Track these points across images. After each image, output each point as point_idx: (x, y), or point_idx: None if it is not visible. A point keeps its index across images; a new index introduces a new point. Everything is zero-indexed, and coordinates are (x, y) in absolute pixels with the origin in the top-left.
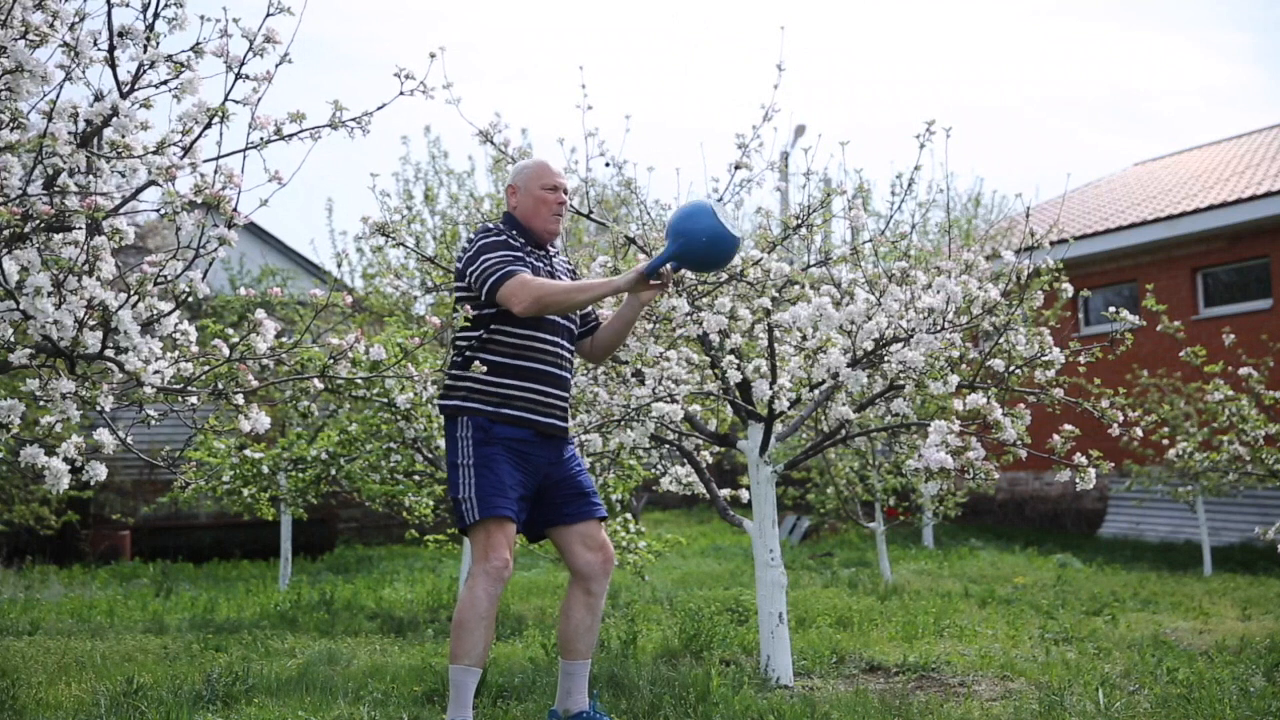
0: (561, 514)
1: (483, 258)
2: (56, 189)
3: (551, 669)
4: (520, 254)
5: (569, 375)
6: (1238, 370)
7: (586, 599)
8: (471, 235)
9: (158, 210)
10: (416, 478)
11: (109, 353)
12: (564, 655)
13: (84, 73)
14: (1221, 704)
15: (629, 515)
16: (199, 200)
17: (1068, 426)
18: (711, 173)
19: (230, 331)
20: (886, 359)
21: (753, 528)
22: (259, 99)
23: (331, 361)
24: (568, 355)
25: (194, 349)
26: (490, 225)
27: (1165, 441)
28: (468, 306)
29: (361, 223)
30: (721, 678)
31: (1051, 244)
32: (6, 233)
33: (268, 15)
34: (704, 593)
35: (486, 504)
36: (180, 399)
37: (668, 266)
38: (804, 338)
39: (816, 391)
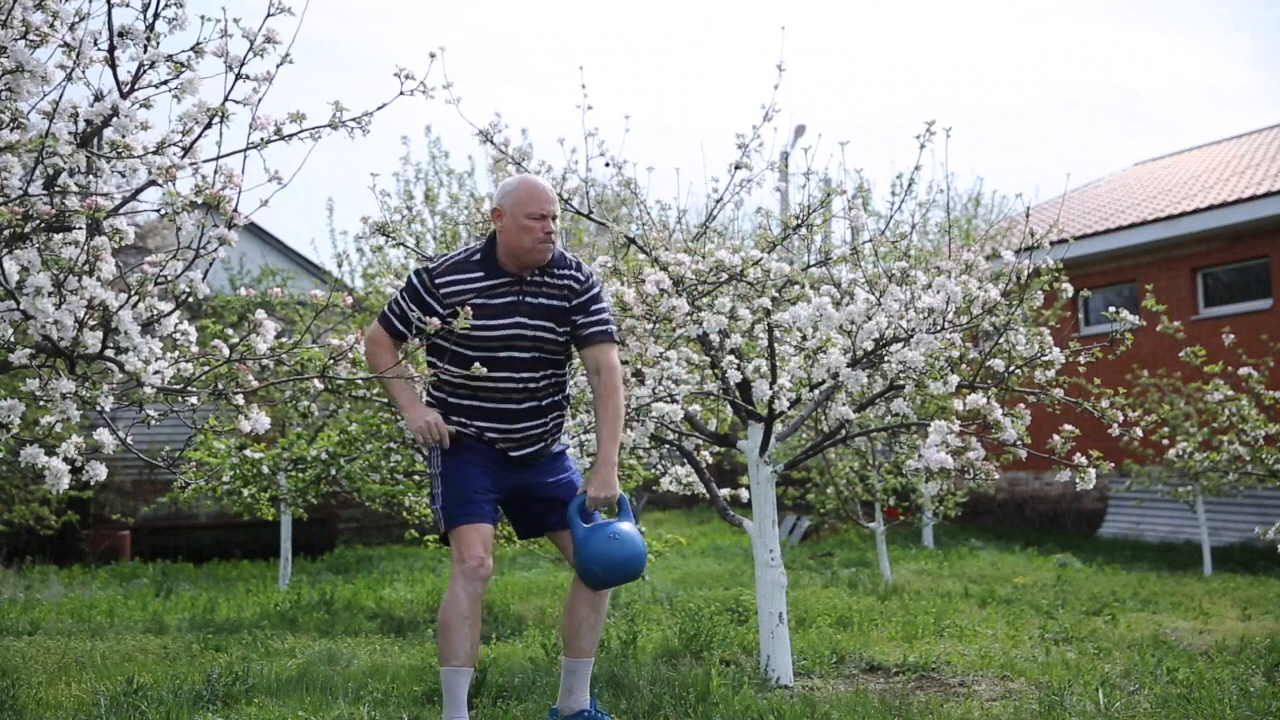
0: (547, 523)
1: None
2: (56, 189)
3: (551, 669)
4: (404, 308)
5: (523, 406)
6: (1238, 370)
7: (591, 597)
8: None
9: (158, 210)
10: (416, 478)
11: (109, 353)
12: (567, 653)
13: (84, 73)
14: (1221, 704)
15: None
16: (199, 200)
17: (1068, 426)
18: (711, 173)
19: (230, 331)
20: (886, 359)
21: (753, 528)
22: (259, 99)
23: (331, 361)
24: (527, 388)
25: (194, 349)
26: (446, 255)
27: (1165, 441)
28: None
29: (362, 223)
30: (721, 678)
31: (1051, 244)
32: (7, 233)
33: (268, 15)
34: (704, 593)
35: (451, 514)
36: (180, 399)
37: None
38: (804, 338)
39: (816, 391)
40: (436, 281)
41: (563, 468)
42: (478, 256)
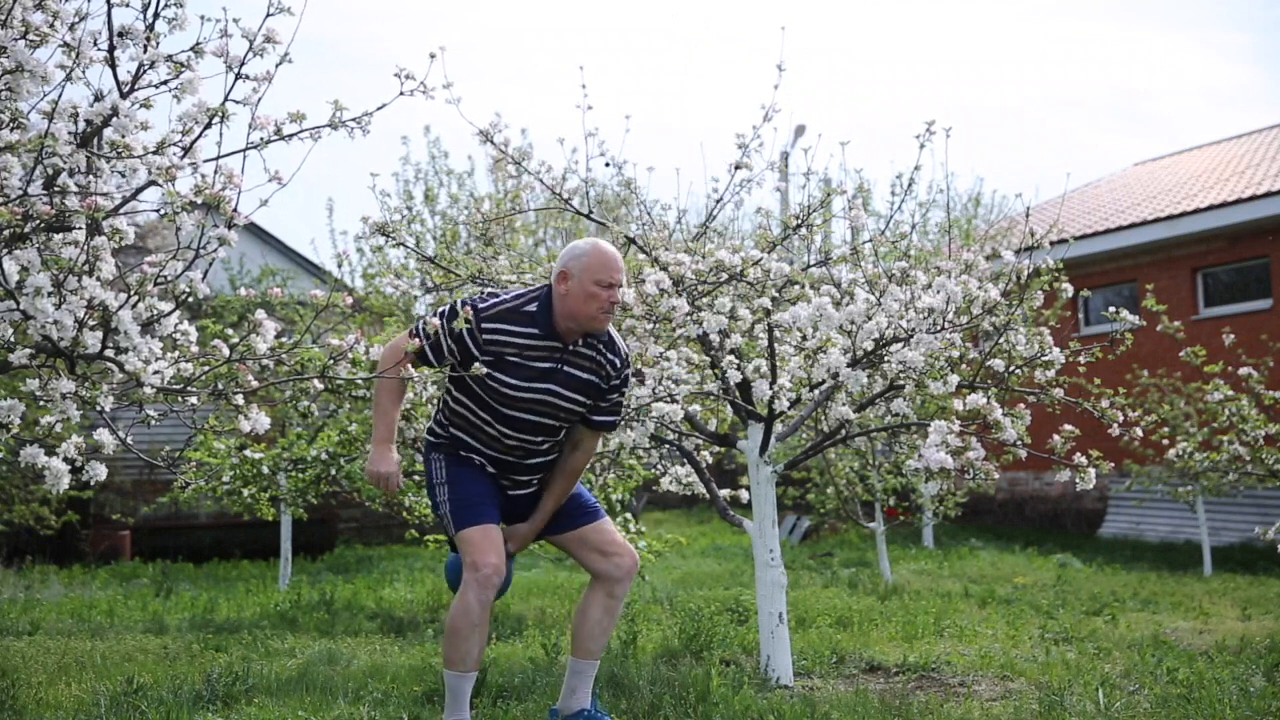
0: (558, 525)
1: (444, 308)
2: (56, 189)
3: (551, 669)
4: (439, 335)
5: (535, 462)
6: (1238, 370)
7: (607, 601)
8: (488, 295)
9: (158, 210)
10: (416, 478)
11: (109, 353)
12: (574, 653)
13: (84, 73)
14: (1221, 704)
15: (629, 515)
16: (199, 200)
17: (1068, 426)
18: (711, 173)
19: (230, 331)
20: (886, 359)
21: (753, 528)
22: (259, 99)
23: (331, 362)
24: (539, 449)
25: (194, 349)
26: (506, 294)
27: (1165, 441)
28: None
29: (361, 223)
30: (721, 678)
31: (1051, 244)
32: (6, 233)
33: (268, 15)
34: (704, 593)
35: (461, 517)
36: (180, 399)
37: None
38: (804, 338)
39: (816, 391)
40: (484, 325)
41: None
42: (532, 308)
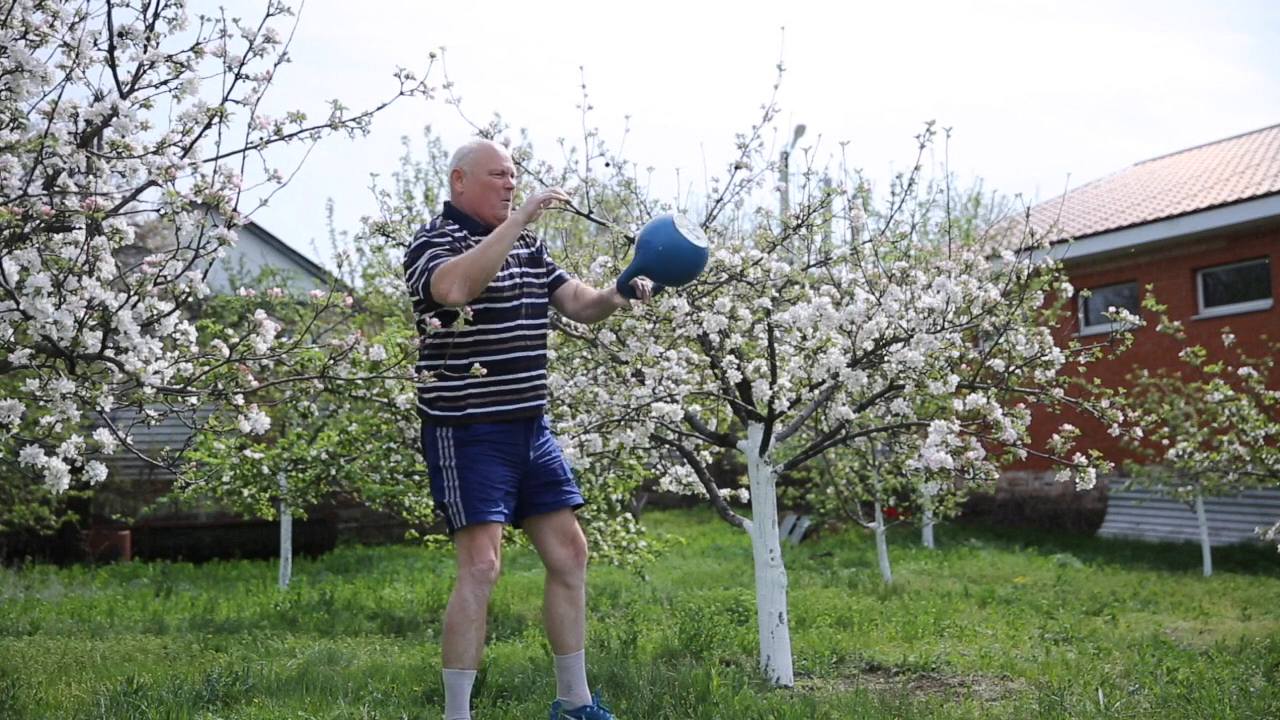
0: (534, 503)
1: (415, 264)
2: (56, 189)
3: (551, 669)
4: (447, 247)
5: (536, 353)
6: (1238, 370)
7: (566, 592)
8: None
9: (158, 210)
10: (416, 478)
11: (109, 353)
12: (555, 651)
13: (84, 73)
14: (1221, 704)
15: (629, 515)
16: (199, 200)
17: (1068, 426)
18: (711, 173)
19: (230, 331)
20: (886, 359)
21: (753, 528)
22: (259, 99)
23: (331, 362)
24: (531, 334)
25: (194, 349)
26: (425, 225)
27: (1165, 441)
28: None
29: (361, 223)
30: (721, 678)
31: (1051, 244)
32: (6, 233)
33: (268, 15)
34: (704, 593)
35: (472, 509)
36: (180, 399)
37: (643, 282)
38: (804, 338)
39: (816, 391)
40: (449, 228)
41: (549, 441)
42: (452, 224)
